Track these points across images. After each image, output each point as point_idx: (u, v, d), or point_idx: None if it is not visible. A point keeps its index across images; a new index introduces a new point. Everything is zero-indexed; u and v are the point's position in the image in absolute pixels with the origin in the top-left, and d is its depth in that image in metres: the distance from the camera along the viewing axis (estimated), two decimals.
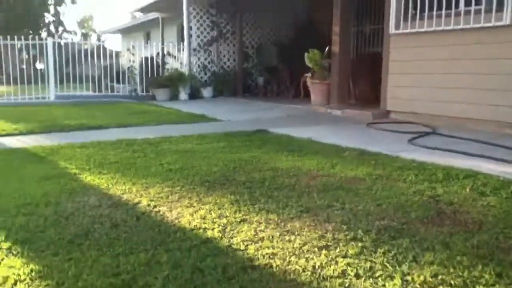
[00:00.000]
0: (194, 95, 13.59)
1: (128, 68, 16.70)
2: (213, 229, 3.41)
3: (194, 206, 3.95)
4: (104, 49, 15.92)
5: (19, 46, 14.71)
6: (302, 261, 2.88)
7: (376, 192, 4.28)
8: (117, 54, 19.31)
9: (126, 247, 3.10)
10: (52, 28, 38.55)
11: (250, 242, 3.17)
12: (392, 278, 2.66)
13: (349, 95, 11.37)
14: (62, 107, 12.16)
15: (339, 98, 10.86)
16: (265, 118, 9.76)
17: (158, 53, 15.35)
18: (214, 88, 13.85)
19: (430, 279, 2.64)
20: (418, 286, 2.56)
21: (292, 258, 2.93)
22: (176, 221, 3.61)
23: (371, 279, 2.65)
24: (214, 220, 3.61)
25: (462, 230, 3.33)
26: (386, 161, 5.52)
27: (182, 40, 14.43)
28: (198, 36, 13.97)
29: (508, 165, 5.21)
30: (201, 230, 3.39)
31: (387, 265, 2.82)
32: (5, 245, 3.12)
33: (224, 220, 3.59)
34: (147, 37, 21.43)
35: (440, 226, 3.43)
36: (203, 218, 3.64)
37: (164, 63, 15.07)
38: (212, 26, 14.05)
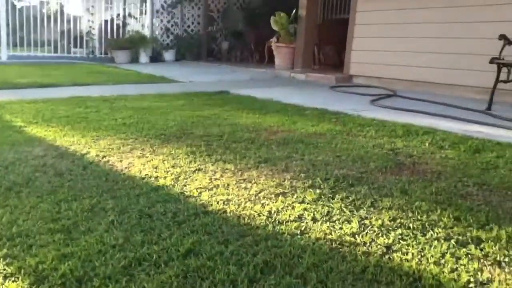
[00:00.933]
0: (156, 58, 13.14)
1: (87, 33, 15.96)
2: (165, 177, 3.23)
3: (146, 157, 3.75)
4: (63, 13, 15.13)
5: None
6: (258, 207, 2.75)
7: (336, 145, 4.18)
8: (76, 19, 18.42)
9: (69, 194, 2.88)
10: None
11: (204, 190, 3.01)
12: (349, 221, 2.56)
13: (314, 60, 11.23)
14: (15, 66, 11.52)
15: (304, 63, 10.71)
16: (227, 80, 9.53)
17: (118, 15, 14.71)
18: (177, 51, 13.42)
19: (388, 223, 2.57)
20: (376, 229, 2.48)
21: (247, 204, 2.80)
22: (126, 170, 3.40)
23: (328, 223, 2.55)
24: (168, 169, 3.43)
25: (421, 179, 3.28)
26: (347, 119, 5.44)
27: (145, 1, 13.84)
28: None
29: (467, 124, 5.22)
30: (152, 179, 3.21)
31: (345, 210, 2.73)
32: None
33: (178, 170, 3.42)
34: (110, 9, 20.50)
35: (399, 175, 3.37)
36: (155, 168, 3.45)
37: (125, 24, 14.44)
38: None
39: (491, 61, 6.13)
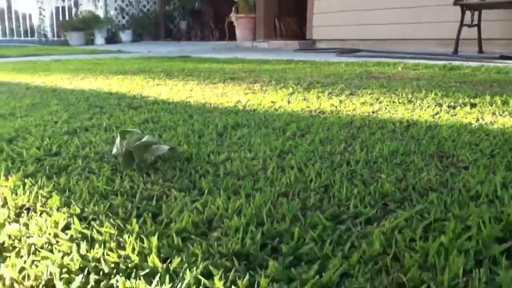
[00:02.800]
0: (112, 39, 12.64)
1: (38, 26, 15.24)
2: (118, 89, 2.92)
3: (99, 81, 3.41)
4: (10, 11, 14.42)
5: None
6: (224, 99, 2.49)
7: (306, 71, 3.96)
8: (25, 16, 17.58)
9: (18, 98, 2.53)
10: None
11: (164, 93, 2.72)
12: (329, 101, 2.33)
13: (275, 32, 11.01)
14: None
15: (265, 34, 10.45)
16: (188, 50, 9.18)
17: None
18: (134, 32, 12.96)
19: (371, 101, 2.34)
20: (359, 104, 2.25)
21: (213, 99, 2.53)
22: (75, 87, 3.07)
23: (305, 102, 2.31)
24: (124, 85, 3.11)
25: (400, 81, 3.08)
26: (315, 64, 5.23)
27: None
28: None
29: (437, 61, 5.12)
30: (104, 90, 2.88)
31: (322, 96, 2.49)
32: None
33: (135, 84, 3.11)
34: None
35: (376, 79, 3.17)
36: (109, 85, 3.13)
37: (77, 5, 13.84)
38: None
39: (455, 3, 6.05)
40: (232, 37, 11.67)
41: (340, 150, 1.45)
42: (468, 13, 6.24)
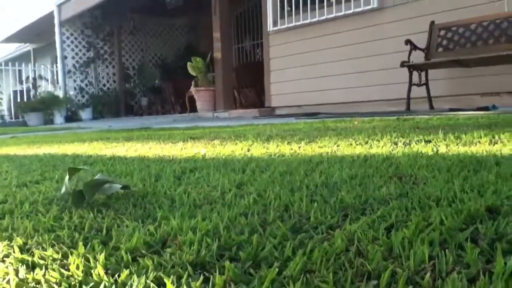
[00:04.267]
0: (72, 118, 12.55)
1: None
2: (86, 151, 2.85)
3: (54, 148, 3.32)
4: None
5: None
6: (184, 152, 2.45)
7: (266, 128, 4.01)
8: None
9: None
10: None
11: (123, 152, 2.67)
12: None
13: (235, 103, 11.26)
14: None
15: (225, 104, 10.68)
16: (149, 123, 9.20)
17: (28, 77, 14.10)
18: (94, 109, 12.94)
19: (328, 144, 2.36)
20: (317, 148, 2.26)
21: (173, 153, 2.49)
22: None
23: (264, 149, 2.30)
24: (94, 147, 3.04)
25: (352, 130, 3.15)
26: (275, 125, 5.33)
27: (56, 62, 13.41)
28: (73, 58, 13.09)
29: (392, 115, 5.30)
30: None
31: (280, 144, 2.50)
32: None
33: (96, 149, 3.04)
34: (19, 74, 19.75)
35: (331, 131, 3.24)
36: (65, 150, 3.05)
37: (35, 87, 13.81)
38: (88, 47, 13.29)
39: (402, 65, 6.41)
40: (193, 110, 11.84)
41: (300, 178, 1.43)
42: (416, 74, 6.61)
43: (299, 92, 9.16)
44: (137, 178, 1.64)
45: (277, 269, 0.69)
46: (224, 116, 9.79)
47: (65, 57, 13.18)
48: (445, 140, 2.20)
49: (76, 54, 13.36)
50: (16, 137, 5.84)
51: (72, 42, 13.29)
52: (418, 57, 6.72)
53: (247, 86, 11.79)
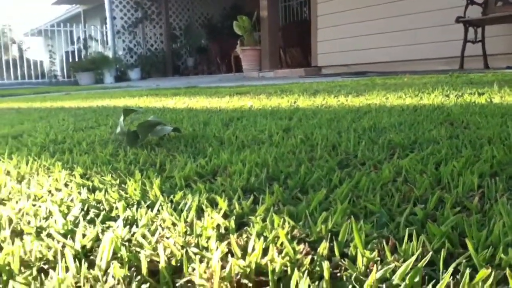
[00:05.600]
0: (121, 78, 12.85)
1: (49, 70, 15.64)
2: (137, 104, 2.94)
3: (106, 102, 3.43)
4: (23, 59, 14.84)
5: None
6: (231, 104, 2.48)
7: (313, 85, 3.98)
8: (36, 63, 18.07)
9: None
10: None
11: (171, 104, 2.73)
12: None
13: (281, 63, 11.15)
14: None
15: (271, 64, 10.59)
16: (195, 82, 9.30)
17: (79, 38, 14.48)
18: (142, 70, 13.18)
19: (376, 97, 2.33)
20: (365, 100, 2.23)
21: (220, 105, 2.52)
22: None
23: (310, 101, 2.29)
24: (144, 101, 3.13)
25: (401, 85, 3.07)
26: (321, 83, 5.26)
27: (105, 22, 13.66)
28: (122, 18, 13.30)
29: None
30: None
31: (327, 97, 2.48)
32: None
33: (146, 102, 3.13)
34: (70, 35, 20.29)
35: (379, 86, 3.17)
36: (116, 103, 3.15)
37: (86, 47, 14.19)
38: (136, 8, 13.44)
39: (457, 20, 6.11)
40: (239, 70, 11.83)
41: (347, 124, 1.43)
42: (471, 30, 6.29)
43: (346, 50, 8.94)
44: (187, 124, 1.69)
45: (324, 192, 0.70)
46: (269, 76, 9.74)
47: (114, 18, 13.39)
48: (499, 92, 2.12)
49: (125, 14, 13.53)
50: (70, 94, 6.07)
51: (120, 2, 13.45)
52: (474, 12, 6.38)
53: (293, 45, 11.61)
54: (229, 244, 0.55)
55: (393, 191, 0.72)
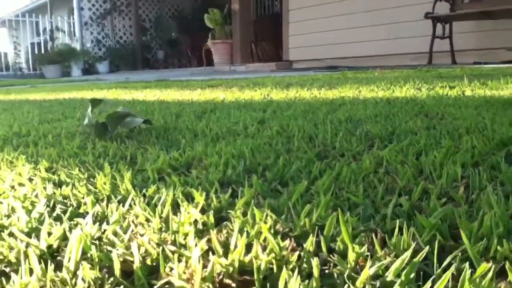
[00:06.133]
0: (89, 71, 12.54)
1: (14, 63, 15.13)
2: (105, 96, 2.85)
3: (73, 94, 3.32)
4: None
5: None
6: (203, 97, 2.44)
7: (285, 79, 3.96)
8: (5, 55, 17.46)
9: None
10: None
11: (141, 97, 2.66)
12: None
13: (252, 56, 11.10)
14: None
15: (242, 57, 10.53)
16: (166, 75, 9.17)
17: (45, 29, 14.03)
18: (111, 62, 12.89)
19: (349, 90, 2.32)
20: (338, 93, 2.22)
21: (192, 97, 2.47)
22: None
23: (283, 94, 2.27)
24: (112, 93, 3.04)
25: (373, 79, 3.08)
26: (293, 76, 5.26)
27: (72, 13, 13.28)
28: (90, 9, 12.96)
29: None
30: None
31: (300, 90, 2.47)
32: None
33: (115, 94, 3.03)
34: (36, 26, 19.67)
35: (351, 80, 3.17)
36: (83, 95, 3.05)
37: (52, 38, 13.77)
38: None
39: (426, 16, 6.19)
40: (210, 64, 11.72)
41: (322, 116, 1.40)
42: (439, 26, 6.39)
43: (318, 45, 8.97)
44: (158, 116, 1.64)
45: (305, 184, 0.68)
46: (241, 70, 9.68)
47: (82, 9, 13.04)
48: (469, 86, 2.14)
49: (93, 5, 13.19)
50: (35, 87, 5.88)
51: None
52: (443, 8, 6.49)
53: (265, 39, 11.57)
54: (208, 241, 0.51)
55: (375, 182, 0.70)
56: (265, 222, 0.53)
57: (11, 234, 0.59)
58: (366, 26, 8.25)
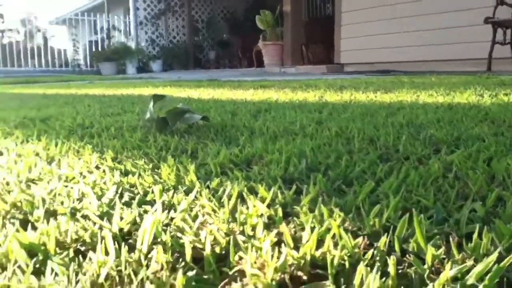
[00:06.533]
0: (143, 69, 12.91)
1: (73, 60, 15.82)
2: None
3: (130, 90, 3.43)
4: (47, 47, 15.02)
5: None
6: (256, 97, 2.45)
7: (337, 81, 3.91)
8: (61, 52, 18.28)
9: None
10: None
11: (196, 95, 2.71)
12: None
13: (302, 59, 11.07)
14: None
15: (293, 59, 10.52)
16: (217, 75, 9.29)
17: (102, 27, 14.57)
18: (164, 61, 13.22)
19: (406, 94, 2.27)
20: (395, 97, 2.18)
21: (245, 97, 2.49)
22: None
23: (338, 96, 2.25)
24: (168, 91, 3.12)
25: (430, 84, 2.99)
26: (345, 79, 5.19)
27: (128, 13, 13.73)
28: (145, 9, 13.36)
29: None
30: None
31: (354, 93, 2.43)
32: None
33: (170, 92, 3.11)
34: (94, 25, 20.47)
35: (407, 84, 3.09)
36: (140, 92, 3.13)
37: (109, 37, 14.28)
38: None
39: (486, 21, 5.96)
40: (260, 65, 11.78)
41: (382, 119, 1.38)
42: (500, 31, 6.13)
43: (370, 48, 8.82)
44: (214, 113, 1.66)
45: (372, 184, 0.66)
46: (291, 72, 9.67)
47: (137, 9, 13.45)
48: None
49: (148, 5, 13.58)
50: (93, 83, 6.11)
51: None
52: (504, 13, 6.23)
53: (316, 41, 11.50)
54: (277, 234, 0.51)
55: (446, 186, 0.67)
56: (334, 219, 0.53)
57: (84, 217, 0.61)
58: (421, 30, 8.04)
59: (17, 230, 0.54)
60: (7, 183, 0.80)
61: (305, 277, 0.43)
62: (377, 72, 6.88)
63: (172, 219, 0.59)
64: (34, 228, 0.57)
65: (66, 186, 0.75)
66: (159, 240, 0.52)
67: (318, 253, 0.45)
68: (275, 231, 0.52)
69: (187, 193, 0.69)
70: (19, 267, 0.47)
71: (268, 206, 0.62)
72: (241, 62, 13.49)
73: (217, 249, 0.50)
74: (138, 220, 0.59)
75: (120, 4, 17.30)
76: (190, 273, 0.44)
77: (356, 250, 0.46)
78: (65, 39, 21.22)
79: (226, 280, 0.44)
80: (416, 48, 8.11)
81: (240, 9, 14.74)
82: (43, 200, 0.69)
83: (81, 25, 16.39)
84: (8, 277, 0.44)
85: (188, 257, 0.47)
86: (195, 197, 0.67)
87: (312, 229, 0.50)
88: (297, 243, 0.49)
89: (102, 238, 0.51)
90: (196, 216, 0.59)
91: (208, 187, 0.72)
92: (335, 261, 0.43)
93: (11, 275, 0.44)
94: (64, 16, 21.17)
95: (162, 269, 0.45)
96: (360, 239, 0.47)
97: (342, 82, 3.77)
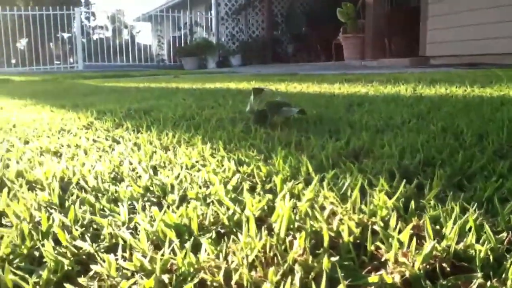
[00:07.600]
0: (223, 64, 13.23)
1: (157, 55, 16.55)
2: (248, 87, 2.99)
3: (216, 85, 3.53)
4: (134, 43, 15.85)
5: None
6: (343, 90, 2.43)
7: (425, 76, 3.77)
8: (146, 47, 19.16)
9: None
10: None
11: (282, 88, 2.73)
12: None
13: (384, 52, 10.75)
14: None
15: (374, 52, 10.25)
16: (296, 69, 9.30)
17: (185, 23, 15.10)
18: (243, 56, 13.45)
19: (507, 88, 2.14)
20: (494, 92, 2.07)
21: (332, 90, 2.47)
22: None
23: (432, 89, 2.17)
24: (252, 85, 3.19)
25: None
26: (431, 73, 4.98)
27: (210, 9, 14.12)
28: (226, 5, 13.65)
29: None
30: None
31: (449, 87, 2.34)
32: None
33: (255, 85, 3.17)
34: (177, 21, 21.25)
35: (505, 78, 2.91)
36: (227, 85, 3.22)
37: (192, 32, 14.76)
38: None
39: None
40: (339, 58, 11.60)
41: (488, 115, 1.32)
42: None
43: (457, 40, 8.38)
44: (307, 107, 1.67)
45: (500, 180, 0.65)
46: (372, 65, 9.43)
47: (219, 5, 13.77)
48: None
49: (229, 1, 13.86)
50: (178, 77, 6.36)
51: None
52: None
53: (399, 33, 11.11)
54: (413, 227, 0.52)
55: None
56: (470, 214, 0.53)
57: (213, 202, 0.65)
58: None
59: (164, 212, 0.59)
60: (134, 169, 0.87)
61: (448, 269, 0.44)
62: (465, 65, 6.53)
63: (295, 207, 0.62)
64: (171, 211, 0.63)
65: (190, 174, 0.81)
66: (291, 226, 0.55)
67: (459, 246, 0.46)
68: (412, 223, 0.52)
69: (305, 183, 0.72)
70: (171, 244, 0.51)
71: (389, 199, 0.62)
72: (320, 55, 13.36)
73: (351, 238, 0.51)
74: (265, 207, 0.62)
75: (202, 0, 17.82)
76: (333, 258, 0.46)
77: (500, 245, 0.46)
78: (150, 35, 22.10)
79: (369, 268, 0.45)
80: (508, 40, 7.59)
81: (318, 1, 14.59)
82: (172, 186, 0.75)
83: (166, 21, 17.06)
84: (169, 254, 0.49)
85: (325, 243, 0.50)
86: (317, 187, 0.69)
87: (454, 222, 0.50)
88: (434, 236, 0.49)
89: (246, 220, 0.55)
90: (322, 206, 0.61)
91: (323, 178, 0.74)
92: (482, 255, 0.44)
93: (169, 252, 0.49)
94: (150, 13, 22.11)
95: (303, 253, 0.48)
96: (503, 234, 0.47)
97: (431, 75, 3.63)
